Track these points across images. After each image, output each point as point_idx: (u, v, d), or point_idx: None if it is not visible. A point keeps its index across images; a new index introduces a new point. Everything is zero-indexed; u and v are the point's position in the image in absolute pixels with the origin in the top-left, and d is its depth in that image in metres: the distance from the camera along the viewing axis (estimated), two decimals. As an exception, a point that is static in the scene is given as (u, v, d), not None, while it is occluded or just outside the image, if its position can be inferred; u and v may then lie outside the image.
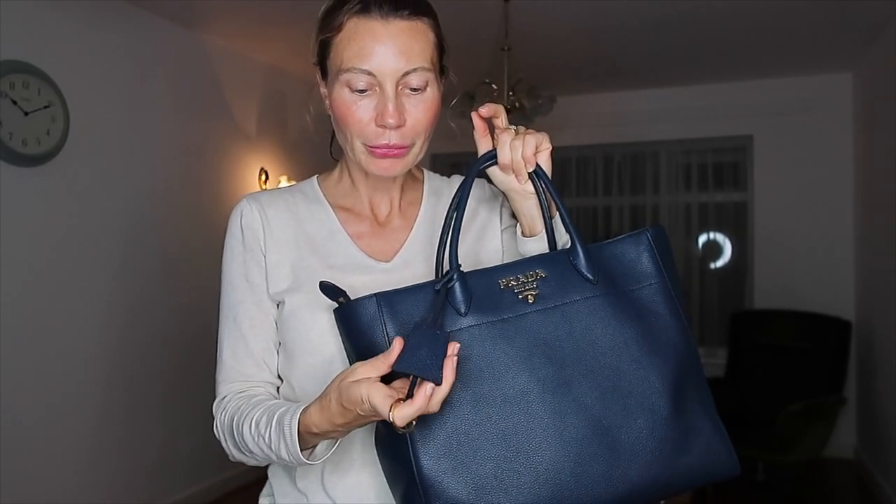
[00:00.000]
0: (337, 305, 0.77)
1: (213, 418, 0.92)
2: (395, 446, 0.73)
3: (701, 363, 0.82)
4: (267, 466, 0.97)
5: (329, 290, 0.76)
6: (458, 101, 1.05)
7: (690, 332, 0.80)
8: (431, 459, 0.70)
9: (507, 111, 3.26)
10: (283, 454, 0.79)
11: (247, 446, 0.84)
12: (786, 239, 4.53)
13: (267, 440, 0.80)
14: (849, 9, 3.24)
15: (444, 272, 0.77)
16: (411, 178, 1.01)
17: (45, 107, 2.77)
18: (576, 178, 5.18)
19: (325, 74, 0.90)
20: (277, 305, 0.92)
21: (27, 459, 2.72)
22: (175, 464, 3.45)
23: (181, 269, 3.49)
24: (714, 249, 4.90)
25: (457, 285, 0.76)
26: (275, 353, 0.93)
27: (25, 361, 2.72)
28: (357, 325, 0.75)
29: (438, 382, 0.67)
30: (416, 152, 0.88)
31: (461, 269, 0.77)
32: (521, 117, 3.32)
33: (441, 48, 0.90)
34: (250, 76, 4.02)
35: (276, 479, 0.95)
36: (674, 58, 4.09)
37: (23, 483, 2.69)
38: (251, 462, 0.89)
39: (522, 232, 0.89)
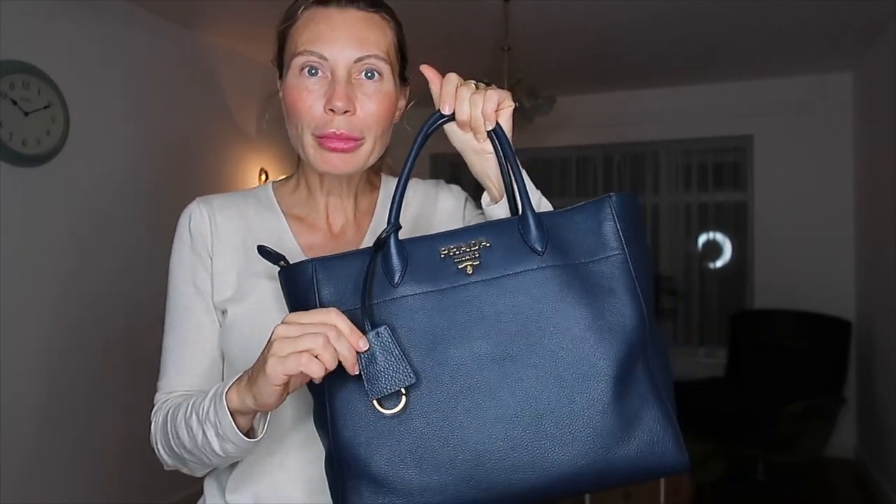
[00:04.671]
0: (279, 269, 0.75)
1: (150, 426, 0.87)
2: (319, 415, 0.72)
3: (662, 348, 0.75)
4: (203, 483, 0.93)
5: (269, 254, 0.74)
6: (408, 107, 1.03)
7: (648, 313, 0.72)
8: (349, 432, 0.69)
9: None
10: (211, 415, 0.74)
11: (177, 434, 0.79)
12: (786, 239, 4.53)
13: (200, 414, 0.76)
14: (849, 9, 3.24)
15: (384, 230, 0.73)
16: (368, 186, 0.97)
17: (45, 107, 2.77)
18: (576, 178, 5.18)
19: (281, 71, 0.88)
20: (223, 314, 0.88)
21: (27, 460, 2.71)
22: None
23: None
24: (714, 249, 4.90)
25: (393, 253, 0.72)
26: (220, 362, 0.89)
27: (28, 361, 2.72)
28: (295, 289, 0.73)
29: (413, 380, 0.67)
30: (368, 151, 0.84)
31: (399, 226, 0.73)
32: (520, 117, 3.32)
33: (402, 53, 0.88)
34: (250, 76, 4.01)
35: (210, 492, 0.91)
36: (674, 58, 4.09)
37: (21, 484, 2.68)
38: (184, 468, 0.85)
39: (491, 197, 0.84)
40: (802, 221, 4.49)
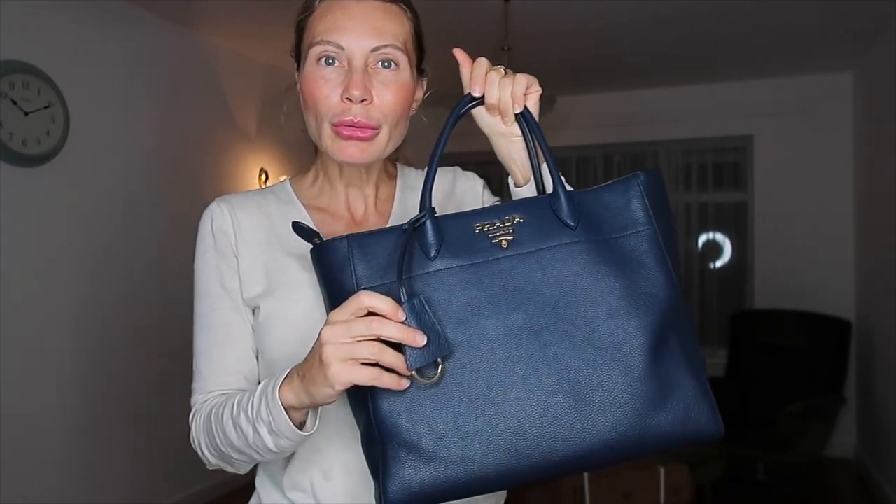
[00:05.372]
0: (312, 246, 0.75)
1: (189, 428, 0.88)
2: (357, 389, 0.71)
3: (690, 319, 0.77)
4: (254, 476, 0.94)
5: (303, 231, 0.74)
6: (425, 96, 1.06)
7: (678, 286, 0.75)
8: (388, 401, 0.69)
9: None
10: (264, 413, 0.74)
11: (224, 434, 0.80)
12: (786, 239, 4.53)
13: (249, 413, 0.76)
14: (849, 9, 3.24)
15: (417, 214, 0.74)
16: (386, 175, 0.98)
17: (45, 107, 2.77)
18: (576, 178, 5.18)
19: (299, 63, 0.88)
20: (253, 311, 0.89)
21: (23, 460, 2.71)
22: (174, 464, 3.44)
23: (181, 269, 3.48)
24: (714, 249, 4.90)
25: (428, 227, 0.73)
26: (253, 359, 0.89)
27: (26, 361, 2.72)
28: (329, 265, 0.73)
29: (449, 350, 0.68)
30: (384, 139, 0.84)
31: (434, 211, 0.74)
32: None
33: (419, 44, 0.89)
34: (250, 76, 4.01)
35: (263, 489, 0.92)
36: (674, 58, 4.09)
37: (19, 484, 2.68)
38: (229, 466, 0.86)
39: (515, 181, 0.86)
40: (802, 221, 4.49)
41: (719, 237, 4.89)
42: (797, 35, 3.66)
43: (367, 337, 0.66)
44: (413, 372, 0.68)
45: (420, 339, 0.66)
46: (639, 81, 4.65)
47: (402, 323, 0.67)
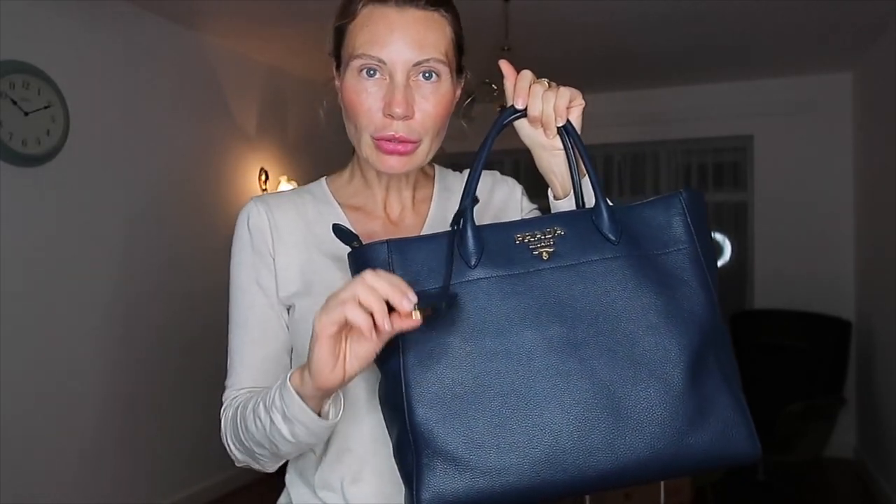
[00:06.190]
0: (350, 249, 0.75)
1: (220, 423, 0.89)
2: (391, 391, 0.72)
3: (729, 339, 0.77)
4: (284, 475, 0.94)
5: (343, 233, 0.74)
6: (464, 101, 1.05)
7: (718, 305, 0.75)
8: (424, 408, 0.69)
9: (503, 109, 3.27)
10: (277, 401, 0.75)
11: (246, 428, 0.81)
12: (786, 239, 4.53)
13: (266, 402, 0.77)
14: (849, 9, 3.24)
15: (459, 209, 0.74)
16: (423, 175, 0.98)
17: (45, 107, 2.77)
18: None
19: (339, 65, 0.88)
20: (288, 310, 0.90)
21: (27, 459, 2.72)
22: (175, 463, 3.45)
23: (181, 269, 3.49)
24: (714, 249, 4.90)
25: (469, 236, 0.73)
26: (287, 358, 0.90)
27: (25, 361, 2.72)
28: (367, 269, 0.72)
29: (453, 303, 0.68)
30: (425, 150, 0.85)
31: (477, 200, 0.74)
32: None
33: (459, 46, 0.89)
34: (250, 76, 4.01)
35: (294, 486, 0.92)
36: (674, 58, 4.09)
37: (22, 483, 2.69)
38: (255, 462, 0.87)
39: (555, 194, 0.86)
40: (802, 221, 4.49)
41: (719, 237, 4.89)
42: (797, 35, 3.66)
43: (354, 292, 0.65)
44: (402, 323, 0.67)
45: (406, 303, 0.64)
46: (639, 81, 4.66)
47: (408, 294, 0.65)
